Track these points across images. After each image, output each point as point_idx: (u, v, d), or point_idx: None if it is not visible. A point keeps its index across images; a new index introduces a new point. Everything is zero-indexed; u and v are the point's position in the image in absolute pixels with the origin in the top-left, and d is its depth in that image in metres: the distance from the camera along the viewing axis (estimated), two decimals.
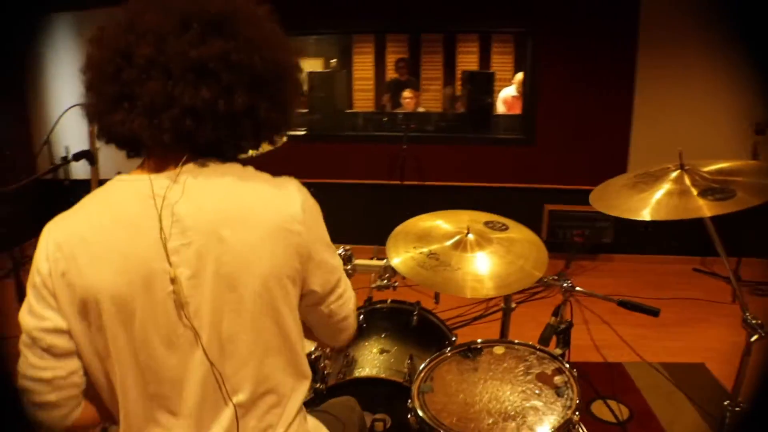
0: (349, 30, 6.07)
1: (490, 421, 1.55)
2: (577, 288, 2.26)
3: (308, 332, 1.24)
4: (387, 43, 7.11)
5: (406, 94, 5.86)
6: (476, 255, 2.04)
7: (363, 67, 7.31)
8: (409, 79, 6.33)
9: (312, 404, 1.78)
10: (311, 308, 1.16)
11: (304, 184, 1.13)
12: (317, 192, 1.19)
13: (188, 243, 0.99)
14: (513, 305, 2.42)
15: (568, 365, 1.73)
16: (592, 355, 3.21)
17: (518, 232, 2.21)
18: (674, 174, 1.76)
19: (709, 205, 1.59)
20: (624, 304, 2.08)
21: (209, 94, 0.99)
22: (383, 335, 2.30)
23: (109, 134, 1.04)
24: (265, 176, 1.10)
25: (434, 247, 2.09)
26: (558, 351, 1.83)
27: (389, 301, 2.46)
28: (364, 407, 2.01)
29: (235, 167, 1.08)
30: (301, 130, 5.06)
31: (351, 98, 7.51)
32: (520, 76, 5.08)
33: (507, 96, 5.47)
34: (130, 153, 1.10)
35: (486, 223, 2.22)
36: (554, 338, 2.12)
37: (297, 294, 1.10)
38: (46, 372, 1.02)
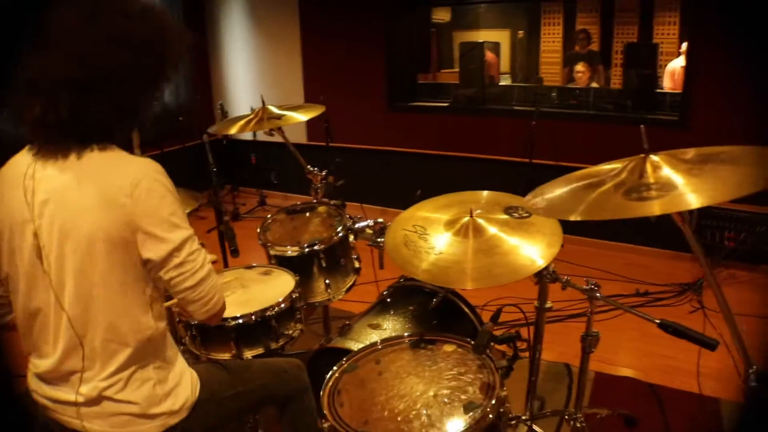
0: None
1: (377, 415, 1.44)
2: (602, 297, 1.93)
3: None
4: (577, 12, 6.53)
5: (579, 68, 5.39)
6: (465, 240, 1.85)
7: (550, 39, 6.84)
8: (588, 52, 5.77)
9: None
10: (155, 274, 1.30)
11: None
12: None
13: (45, 200, 1.23)
14: (548, 304, 2.14)
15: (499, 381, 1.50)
16: (689, 383, 2.69)
17: (541, 223, 1.94)
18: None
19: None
20: (665, 327, 1.71)
21: (39, 110, 1.18)
22: (391, 312, 2.24)
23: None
24: (120, 156, 1.28)
25: (432, 227, 1.96)
26: (503, 363, 1.59)
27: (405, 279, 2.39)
28: None
29: (96, 150, 1.26)
30: (444, 102, 4.98)
31: (537, 70, 7.11)
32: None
33: (675, 67, 4.66)
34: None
35: (507, 209, 1.99)
36: None
37: (128, 258, 1.25)
38: None
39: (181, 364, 1.44)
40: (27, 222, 1.24)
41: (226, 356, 1.86)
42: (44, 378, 1.33)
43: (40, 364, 1.33)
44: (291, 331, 1.96)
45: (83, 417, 1.30)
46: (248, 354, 1.87)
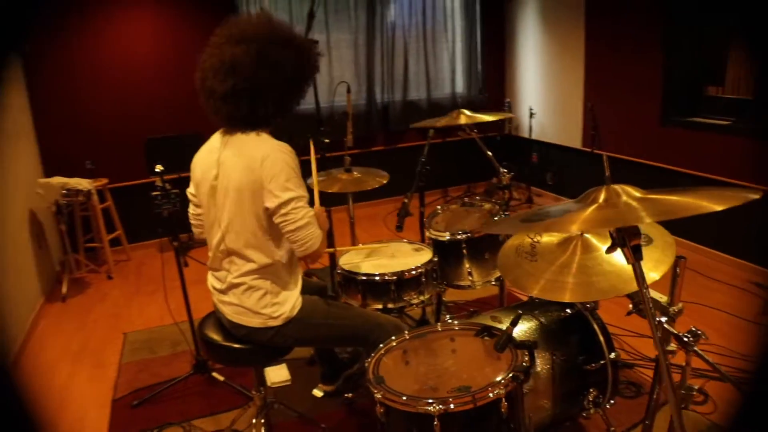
0: None
1: (402, 371, 1.76)
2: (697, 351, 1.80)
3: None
4: None
5: None
6: (570, 257, 1.96)
7: None
8: None
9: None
10: (272, 218, 1.92)
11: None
12: None
13: (223, 161, 1.97)
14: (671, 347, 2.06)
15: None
16: None
17: (658, 253, 1.91)
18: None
19: None
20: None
21: (247, 108, 1.90)
22: (519, 312, 2.38)
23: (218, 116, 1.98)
24: (263, 139, 1.94)
25: (545, 239, 2.09)
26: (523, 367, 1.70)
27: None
28: None
29: (253, 134, 1.95)
30: (726, 120, 4.42)
31: None
32: None
33: None
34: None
35: None
36: None
37: (259, 203, 1.90)
38: (191, 211, 2.21)
39: (294, 289, 2.06)
40: (212, 174, 1.98)
41: (355, 302, 2.37)
42: (212, 271, 2.11)
43: (211, 263, 2.10)
44: (410, 299, 2.35)
45: (220, 302, 2.06)
46: (372, 306, 2.34)
